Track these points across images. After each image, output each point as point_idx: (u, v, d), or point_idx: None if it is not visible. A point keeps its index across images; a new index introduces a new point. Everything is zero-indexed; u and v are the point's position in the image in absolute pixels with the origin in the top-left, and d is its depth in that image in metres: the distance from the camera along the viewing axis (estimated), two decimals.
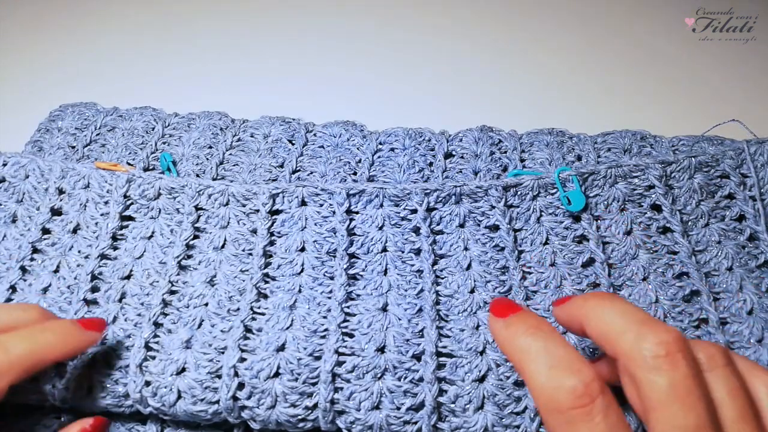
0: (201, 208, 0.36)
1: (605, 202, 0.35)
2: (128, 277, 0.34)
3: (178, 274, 0.34)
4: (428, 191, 0.35)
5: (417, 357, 0.31)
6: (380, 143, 0.40)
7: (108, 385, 0.31)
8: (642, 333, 0.22)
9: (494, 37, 0.57)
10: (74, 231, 0.36)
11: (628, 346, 0.22)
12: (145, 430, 0.32)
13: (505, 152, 0.40)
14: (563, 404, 0.22)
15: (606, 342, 0.24)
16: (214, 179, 0.39)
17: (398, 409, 0.30)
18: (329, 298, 0.33)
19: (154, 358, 0.31)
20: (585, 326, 0.25)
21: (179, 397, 0.30)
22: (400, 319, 0.32)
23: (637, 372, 0.22)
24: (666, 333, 0.22)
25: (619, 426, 0.22)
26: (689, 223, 0.35)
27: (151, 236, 0.36)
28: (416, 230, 0.35)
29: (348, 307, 0.32)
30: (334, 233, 0.34)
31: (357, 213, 0.35)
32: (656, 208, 0.35)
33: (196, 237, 0.35)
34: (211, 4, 0.61)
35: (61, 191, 0.37)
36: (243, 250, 0.34)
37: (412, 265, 0.34)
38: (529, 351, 0.24)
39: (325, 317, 0.32)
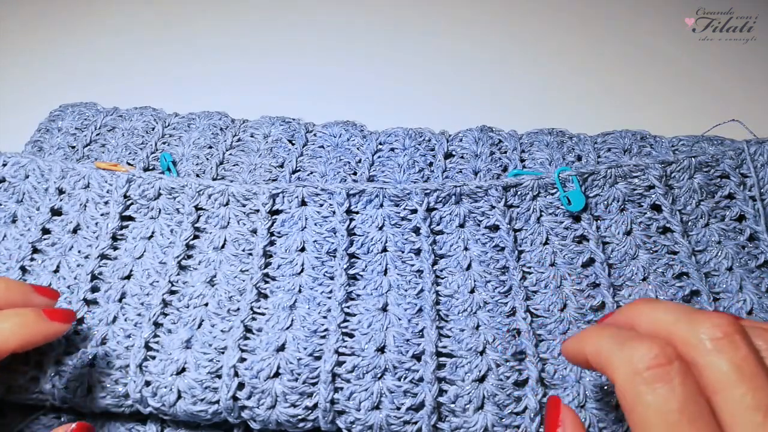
0: (201, 208, 0.36)
1: (605, 202, 0.35)
2: (128, 277, 0.34)
3: (178, 274, 0.34)
4: (428, 191, 0.35)
5: (417, 357, 0.31)
6: (380, 143, 0.40)
7: (108, 385, 0.31)
8: (694, 319, 0.22)
9: (494, 37, 0.57)
10: (74, 231, 0.36)
11: (683, 333, 0.22)
12: (145, 430, 0.32)
13: (505, 152, 0.40)
14: (640, 365, 0.21)
15: (663, 336, 0.23)
16: (214, 179, 0.39)
17: (398, 409, 0.30)
18: (329, 298, 0.33)
19: (154, 358, 0.31)
20: (637, 328, 0.24)
21: (179, 397, 0.30)
22: (400, 319, 0.32)
23: (697, 357, 0.21)
24: (718, 317, 0.22)
25: (697, 397, 0.21)
26: (689, 223, 0.35)
27: (151, 236, 0.36)
28: (416, 230, 0.35)
29: (348, 307, 0.32)
30: (334, 233, 0.34)
31: (357, 213, 0.35)
32: (656, 208, 0.35)
33: (196, 237, 0.35)
34: (211, 4, 0.61)
35: (61, 191, 0.37)
36: (243, 250, 0.34)
37: (412, 265, 0.34)
38: (600, 345, 0.24)
39: (325, 317, 0.32)
